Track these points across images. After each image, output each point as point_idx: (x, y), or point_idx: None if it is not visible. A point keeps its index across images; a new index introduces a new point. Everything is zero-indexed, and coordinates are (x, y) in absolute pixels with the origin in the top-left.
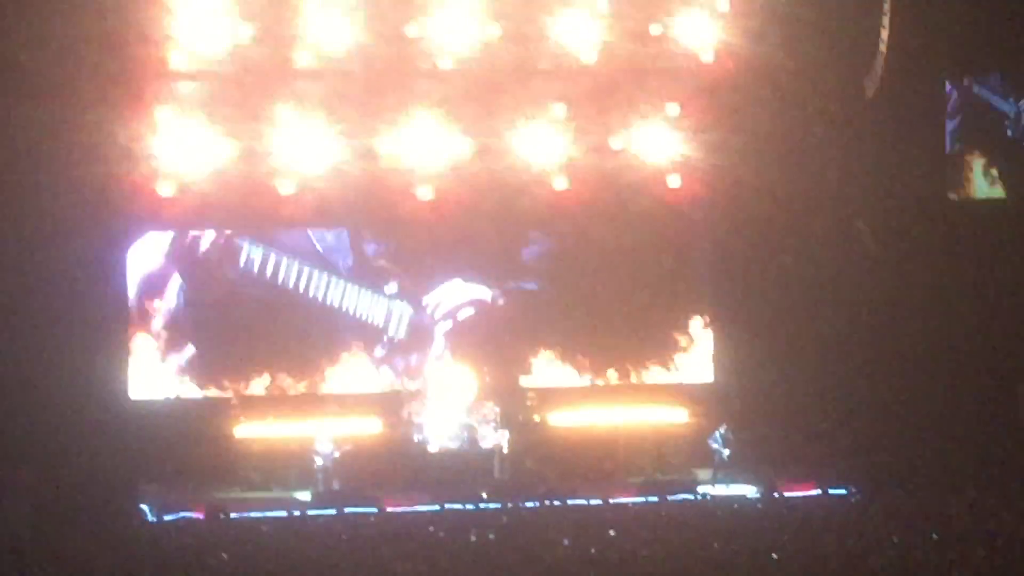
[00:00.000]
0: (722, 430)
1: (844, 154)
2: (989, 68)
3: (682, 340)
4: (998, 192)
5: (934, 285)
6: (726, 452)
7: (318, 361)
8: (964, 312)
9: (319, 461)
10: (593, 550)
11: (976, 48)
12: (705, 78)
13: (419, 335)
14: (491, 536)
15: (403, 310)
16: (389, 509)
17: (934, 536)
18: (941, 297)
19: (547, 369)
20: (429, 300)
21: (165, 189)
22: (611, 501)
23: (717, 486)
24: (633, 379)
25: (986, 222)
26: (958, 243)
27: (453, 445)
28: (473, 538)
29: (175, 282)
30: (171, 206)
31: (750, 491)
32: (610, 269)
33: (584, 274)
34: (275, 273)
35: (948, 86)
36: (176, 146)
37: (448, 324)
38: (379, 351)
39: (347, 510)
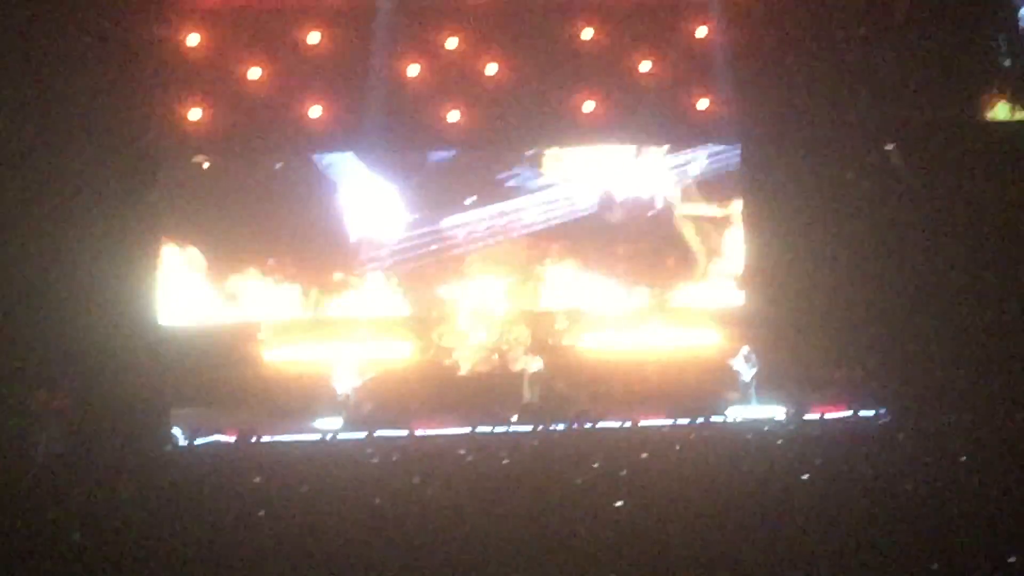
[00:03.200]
0: (744, 351)
1: (875, 78)
2: None
3: (713, 263)
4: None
5: (966, 208)
6: (750, 373)
7: (348, 285)
8: (996, 234)
9: (347, 385)
10: (623, 472)
11: None
12: (733, 1)
13: (449, 258)
14: (521, 459)
15: (433, 232)
16: (418, 432)
17: (964, 458)
18: (973, 219)
19: (578, 292)
20: (458, 222)
21: (194, 113)
22: (641, 424)
23: (747, 408)
24: (663, 302)
25: (1016, 145)
26: (990, 166)
27: (483, 368)
28: (504, 461)
29: (207, 206)
30: (199, 131)
31: (780, 413)
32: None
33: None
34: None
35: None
36: (206, 73)
37: (478, 246)
38: (409, 274)
39: (377, 433)
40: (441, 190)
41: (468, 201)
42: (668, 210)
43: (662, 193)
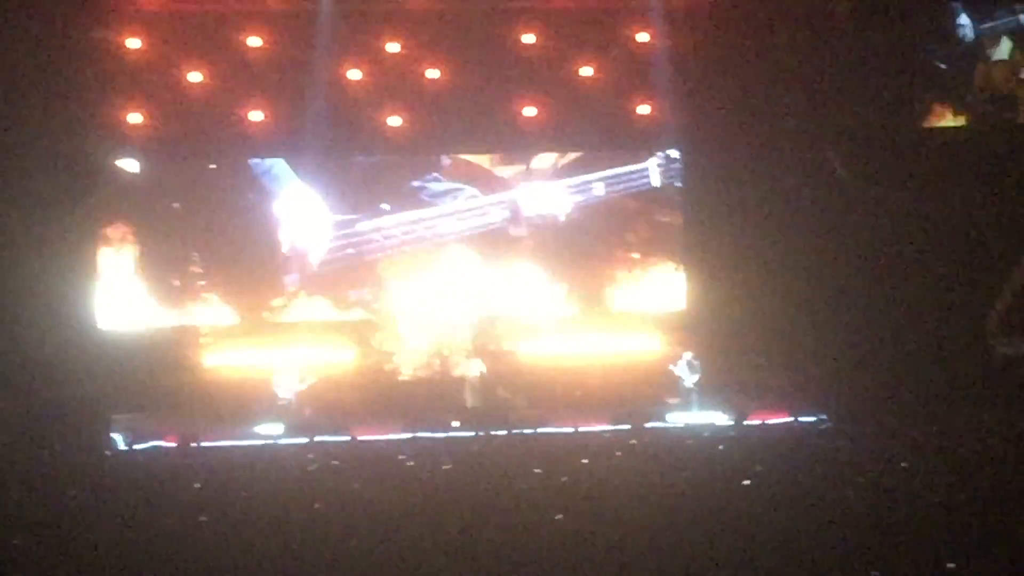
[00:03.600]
0: (687, 357)
1: (816, 84)
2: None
3: (653, 268)
4: (969, 121)
5: (905, 213)
6: (692, 379)
7: (289, 289)
8: (935, 240)
9: (288, 391)
10: (564, 478)
11: None
12: (675, 7)
13: (394, 262)
14: (462, 464)
15: (375, 236)
16: (359, 437)
17: (904, 464)
18: (912, 225)
19: (519, 297)
20: (403, 226)
21: (135, 117)
22: (582, 429)
23: (688, 414)
24: (605, 307)
25: (959, 150)
26: (930, 172)
27: (424, 373)
28: (445, 466)
29: (145, 209)
30: (140, 135)
31: (721, 419)
32: (593, 208)
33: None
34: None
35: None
36: (146, 77)
37: (423, 251)
38: (350, 279)
39: (317, 439)
40: (360, 194)
41: (385, 206)
42: (573, 225)
43: (566, 209)
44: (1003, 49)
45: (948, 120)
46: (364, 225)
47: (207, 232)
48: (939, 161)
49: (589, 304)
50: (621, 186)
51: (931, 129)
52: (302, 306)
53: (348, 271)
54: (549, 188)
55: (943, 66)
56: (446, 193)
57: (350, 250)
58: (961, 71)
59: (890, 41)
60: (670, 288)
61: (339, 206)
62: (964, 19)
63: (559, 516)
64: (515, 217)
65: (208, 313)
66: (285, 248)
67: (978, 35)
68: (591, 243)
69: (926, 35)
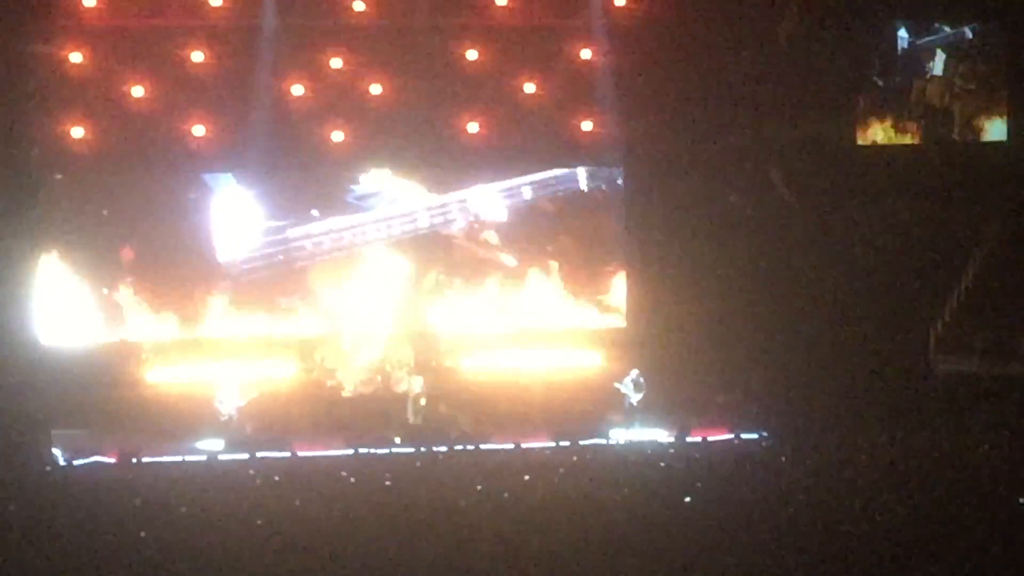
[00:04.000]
0: (633, 375)
1: (758, 101)
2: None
3: (595, 285)
4: (907, 138)
5: (846, 231)
6: (637, 397)
7: (230, 305)
8: (876, 257)
9: (230, 406)
10: (506, 495)
11: None
12: (620, 22)
13: (334, 279)
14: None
15: (320, 253)
16: (301, 453)
17: (844, 481)
18: (853, 242)
19: (461, 314)
20: (347, 243)
21: (77, 131)
22: (524, 446)
23: (630, 431)
24: (546, 324)
25: (897, 167)
26: (869, 188)
27: (366, 389)
28: (387, 482)
29: (87, 225)
30: (82, 149)
31: (663, 436)
32: (525, 213)
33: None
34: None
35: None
36: (89, 91)
37: (364, 268)
38: (293, 294)
39: (259, 455)
40: (290, 200)
41: (314, 212)
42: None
43: (493, 216)
44: (938, 64)
45: (888, 137)
46: (294, 231)
47: (141, 242)
48: (879, 178)
49: (531, 321)
50: (549, 190)
51: (871, 146)
52: (234, 314)
53: (278, 278)
54: (483, 192)
55: (881, 83)
56: (372, 195)
57: (280, 257)
58: (900, 88)
59: (831, 59)
60: (611, 305)
61: (269, 212)
62: (903, 35)
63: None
64: (445, 222)
65: (147, 327)
66: (217, 255)
67: (915, 51)
68: (528, 252)
69: (866, 53)
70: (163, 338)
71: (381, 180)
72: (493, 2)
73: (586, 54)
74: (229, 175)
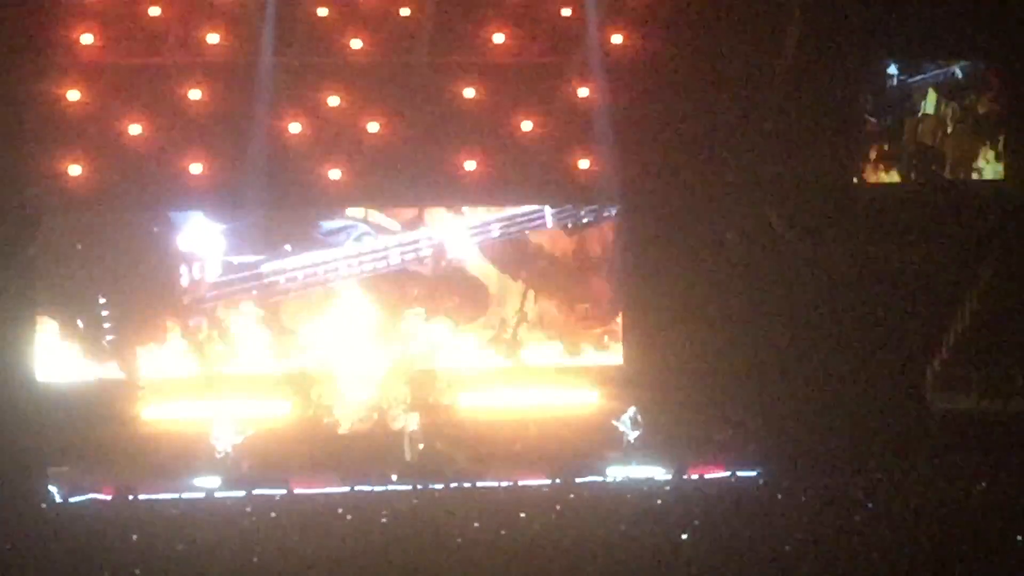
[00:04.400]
0: (631, 412)
1: (754, 139)
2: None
3: (593, 322)
4: (903, 176)
5: (843, 269)
6: (634, 434)
7: (227, 342)
8: (873, 295)
9: (226, 443)
10: (503, 532)
11: (885, 33)
12: (615, 60)
13: (331, 316)
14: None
15: (278, 279)
16: (297, 491)
17: (842, 519)
18: (850, 281)
19: (458, 351)
20: (320, 278)
21: (74, 169)
22: (520, 483)
23: (627, 468)
24: (543, 362)
25: (894, 205)
26: (865, 228)
27: (362, 427)
28: (383, 520)
29: (83, 263)
30: (79, 187)
31: (659, 473)
32: (518, 248)
33: (494, 255)
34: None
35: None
36: (86, 129)
37: (360, 306)
38: (288, 332)
39: (255, 492)
40: (262, 236)
41: (287, 247)
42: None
43: (465, 250)
44: (930, 103)
45: (885, 176)
46: (268, 267)
47: (118, 280)
48: (876, 216)
49: (528, 358)
50: (516, 228)
51: (866, 184)
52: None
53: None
54: (449, 230)
55: (875, 121)
56: (341, 230)
57: (253, 292)
58: (893, 127)
59: (826, 98)
60: (608, 343)
61: (242, 246)
62: (894, 71)
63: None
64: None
65: (146, 367)
66: (189, 290)
67: (906, 89)
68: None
69: (860, 92)
70: (159, 375)
71: (352, 215)
72: (490, 40)
73: (583, 92)
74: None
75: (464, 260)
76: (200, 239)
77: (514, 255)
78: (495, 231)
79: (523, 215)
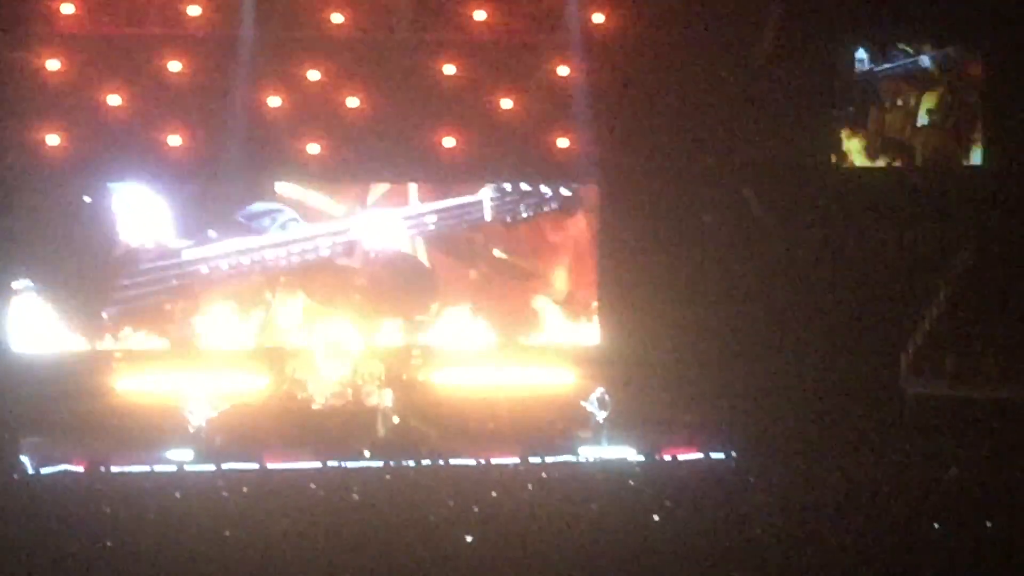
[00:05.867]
0: (598, 393)
1: (732, 121)
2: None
3: (568, 302)
4: (880, 161)
5: (819, 252)
6: (602, 415)
7: (203, 316)
8: (847, 280)
9: (199, 417)
10: (475, 510)
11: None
12: (596, 40)
13: (305, 291)
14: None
15: (288, 266)
16: (269, 465)
17: (812, 502)
18: (825, 264)
19: (433, 329)
20: (329, 233)
21: (52, 139)
22: (493, 462)
23: (599, 448)
24: (518, 340)
25: (871, 189)
26: (842, 210)
27: (337, 402)
28: (355, 496)
29: (57, 234)
30: (56, 155)
31: (632, 454)
32: (499, 228)
33: (473, 233)
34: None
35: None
36: (60, 95)
37: (347, 253)
38: (266, 307)
39: (227, 466)
40: (186, 220)
41: (211, 234)
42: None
43: (404, 241)
44: (902, 90)
45: (862, 159)
46: (190, 253)
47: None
48: (853, 200)
49: (503, 337)
50: (453, 220)
51: (845, 168)
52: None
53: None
54: (383, 220)
55: (852, 109)
56: (265, 215)
57: (174, 281)
58: (867, 111)
59: (805, 80)
60: (584, 323)
61: (169, 231)
62: (863, 57)
63: (469, 539)
64: (348, 248)
65: (120, 339)
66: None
67: (875, 78)
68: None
69: (835, 76)
70: (134, 348)
71: (285, 196)
72: (472, 18)
73: (563, 71)
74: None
75: (399, 253)
76: (132, 218)
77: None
78: (431, 222)
79: (460, 207)
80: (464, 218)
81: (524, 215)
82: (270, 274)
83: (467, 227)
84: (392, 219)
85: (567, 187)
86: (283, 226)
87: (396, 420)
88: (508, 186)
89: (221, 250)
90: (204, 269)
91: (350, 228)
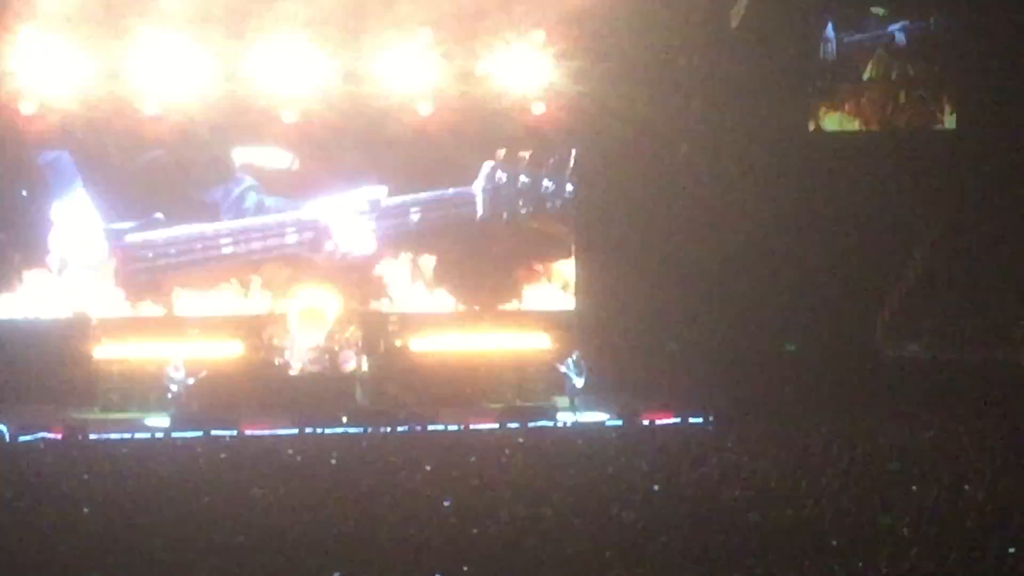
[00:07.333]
0: (574, 357)
1: (708, 84)
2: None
3: (544, 267)
4: (857, 125)
5: (795, 215)
6: (580, 379)
7: (180, 283)
8: (824, 242)
9: (175, 384)
10: (454, 474)
11: None
12: (571, 4)
13: (284, 259)
14: (350, 460)
15: (269, 234)
16: (247, 432)
17: (789, 464)
18: (801, 227)
19: (410, 294)
20: (294, 223)
21: (27, 107)
22: (471, 427)
23: (577, 413)
24: (495, 306)
25: (847, 154)
26: (821, 175)
27: (314, 368)
28: (333, 462)
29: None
30: (33, 125)
31: (610, 418)
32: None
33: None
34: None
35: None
36: (38, 65)
37: (313, 248)
38: (241, 274)
39: (206, 432)
40: (136, 201)
41: (159, 216)
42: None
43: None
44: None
45: (840, 124)
46: (133, 237)
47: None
48: (830, 165)
49: (480, 302)
50: (439, 213)
51: (822, 133)
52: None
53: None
54: (356, 215)
55: (829, 76)
56: (224, 183)
57: (115, 270)
58: (845, 77)
59: (781, 46)
60: (560, 288)
61: (112, 211)
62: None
63: (447, 503)
64: (317, 242)
65: (98, 306)
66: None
67: (844, 50)
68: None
69: (813, 45)
70: (111, 315)
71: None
72: None
73: (539, 37)
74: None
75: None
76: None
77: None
78: (413, 217)
79: (448, 199)
80: (452, 211)
81: (523, 211)
82: (230, 264)
83: (456, 224)
84: (366, 213)
85: (572, 182)
86: (242, 196)
87: (373, 386)
88: (503, 176)
89: (170, 236)
90: (149, 255)
91: (319, 219)
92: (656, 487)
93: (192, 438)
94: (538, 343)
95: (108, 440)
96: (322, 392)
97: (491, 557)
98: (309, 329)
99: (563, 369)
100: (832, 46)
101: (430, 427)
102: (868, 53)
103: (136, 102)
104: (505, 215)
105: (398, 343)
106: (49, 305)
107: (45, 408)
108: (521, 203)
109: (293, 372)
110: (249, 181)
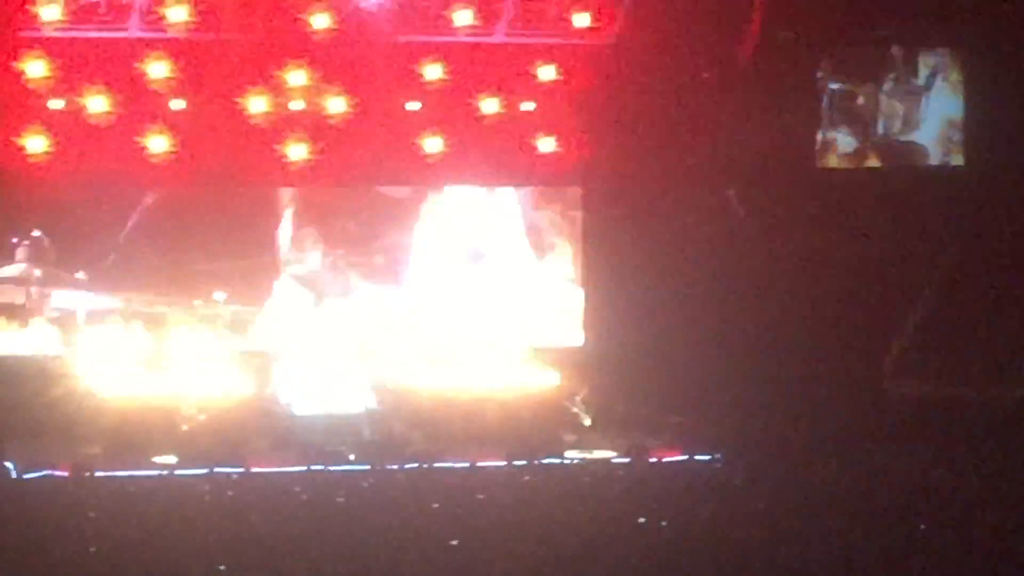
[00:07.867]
0: (583, 395)
1: (715, 122)
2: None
3: (552, 303)
4: (865, 162)
5: (802, 254)
6: (588, 416)
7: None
8: (831, 281)
9: (183, 421)
10: (460, 512)
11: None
12: (578, 44)
13: (290, 295)
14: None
15: (273, 270)
16: (254, 469)
17: (799, 504)
18: (809, 265)
19: (417, 331)
20: (300, 259)
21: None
22: (479, 465)
23: (584, 451)
24: (502, 342)
25: (855, 191)
26: (826, 213)
27: (320, 406)
28: (340, 500)
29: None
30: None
31: (617, 456)
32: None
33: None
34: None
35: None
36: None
37: (319, 283)
38: (246, 310)
39: (213, 470)
40: None
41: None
42: None
43: None
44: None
45: (846, 161)
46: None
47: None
48: (837, 201)
49: (487, 338)
50: None
51: (829, 169)
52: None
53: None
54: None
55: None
56: None
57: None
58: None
59: (789, 82)
60: (568, 324)
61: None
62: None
63: (455, 542)
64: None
65: (104, 341)
66: None
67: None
68: None
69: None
70: (119, 349)
71: None
72: (454, 20)
73: (547, 73)
74: None
75: None
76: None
77: None
78: None
79: None
80: None
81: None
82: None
83: None
84: None
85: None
86: None
87: (379, 424)
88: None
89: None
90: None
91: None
92: (664, 523)
93: (198, 475)
94: (545, 380)
95: (115, 478)
96: (329, 430)
97: None
98: (316, 366)
99: (572, 407)
100: (838, 84)
101: (437, 464)
102: (875, 88)
103: None
104: None
105: (405, 380)
106: (55, 341)
107: (53, 445)
108: None
109: (299, 409)
110: None
